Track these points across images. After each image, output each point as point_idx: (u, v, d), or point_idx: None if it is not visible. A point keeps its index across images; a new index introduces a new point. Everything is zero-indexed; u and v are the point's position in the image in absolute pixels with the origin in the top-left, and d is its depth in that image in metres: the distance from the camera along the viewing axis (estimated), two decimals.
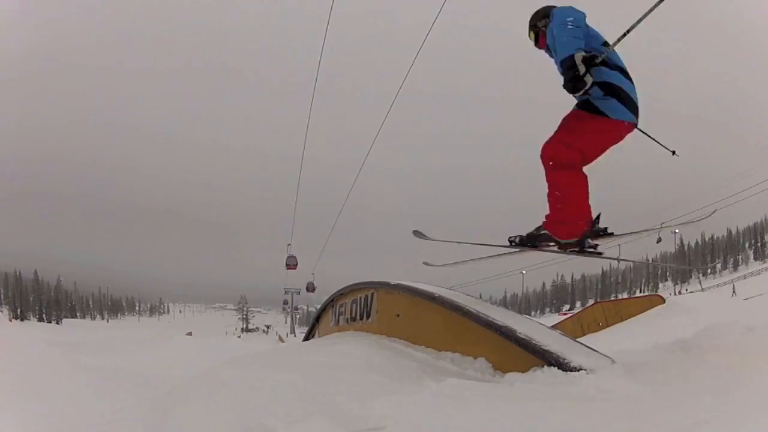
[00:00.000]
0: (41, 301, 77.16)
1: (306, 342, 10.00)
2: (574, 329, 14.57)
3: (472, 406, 2.65)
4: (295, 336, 43.28)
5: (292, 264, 23.13)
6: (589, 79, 2.69)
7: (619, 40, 2.79)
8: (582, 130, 2.90)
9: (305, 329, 13.47)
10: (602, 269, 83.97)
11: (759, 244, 70.28)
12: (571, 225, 3.06)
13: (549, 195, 3.07)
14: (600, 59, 2.80)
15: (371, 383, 3.46)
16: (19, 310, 70.62)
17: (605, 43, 2.96)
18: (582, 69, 2.63)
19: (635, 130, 3.05)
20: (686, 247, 73.93)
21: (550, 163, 2.97)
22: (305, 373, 3.79)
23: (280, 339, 44.37)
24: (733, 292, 30.28)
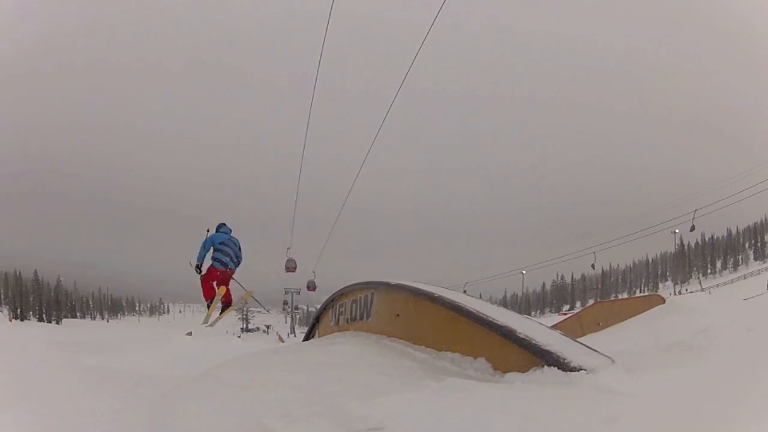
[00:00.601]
0: (41, 301, 77.07)
1: (306, 342, 9.99)
2: (574, 329, 14.53)
3: (472, 406, 2.65)
4: (295, 336, 43.26)
5: (291, 267, 23.25)
6: (198, 269, 6.57)
7: (220, 230, 6.80)
8: (210, 273, 6.60)
9: (305, 329, 13.46)
10: (602, 269, 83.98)
11: (759, 244, 70.24)
12: (204, 297, 6.75)
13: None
14: (199, 266, 6.55)
15: (371, 383, 3.46)
16: (19, 310, 70.48)
17: (221, 243, 6.59)
18: (197, 264, 6.53)
19: (234, 272, 6.81)
20: (686, 247, 73.90)
21: (200, 279, 6.60)
22: (306, 372, 3.79)
23: (280, 339, 44.28)
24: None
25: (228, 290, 6.49)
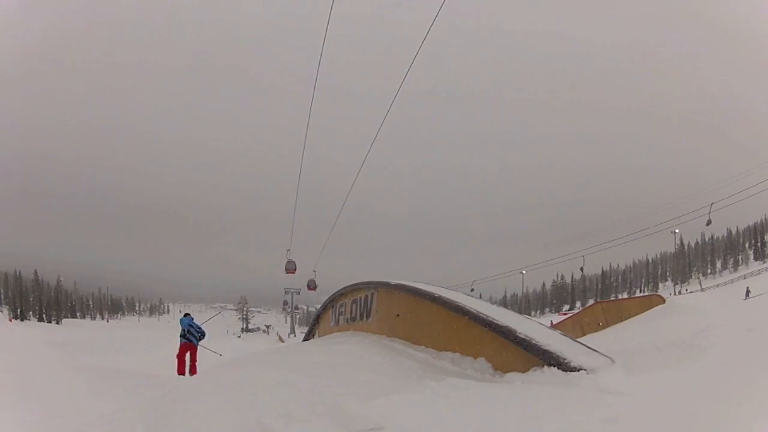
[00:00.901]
0: (41, 301, 77.00)
1: (306, 342, 10.00)
2: (574, 329, 14.54)
3: (472, 406, 2.65)
4: (295, 336, 43.27)
5: (291, 269, 23.53)
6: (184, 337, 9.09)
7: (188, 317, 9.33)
8: (182, 349, 8.84)
9: (305, 329, 13.46)
10: (602, 269, 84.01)
11: (759, 244, 70.18)
12: (177, 371, 8.52)
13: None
14: (184, 332, 9.07)
15: (371, 383, 3.46)
16: (19, 310, 70.40)
17: (189, 325, 9.11)
18: (184, 332, 9.05)
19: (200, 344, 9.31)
20: (686, 247, 73.88)
21: (177, 356, 8.80)
22: (305, 373, 3.78)
23: (280, 339, 44.33)
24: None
25: (195, 366, 8.98)
